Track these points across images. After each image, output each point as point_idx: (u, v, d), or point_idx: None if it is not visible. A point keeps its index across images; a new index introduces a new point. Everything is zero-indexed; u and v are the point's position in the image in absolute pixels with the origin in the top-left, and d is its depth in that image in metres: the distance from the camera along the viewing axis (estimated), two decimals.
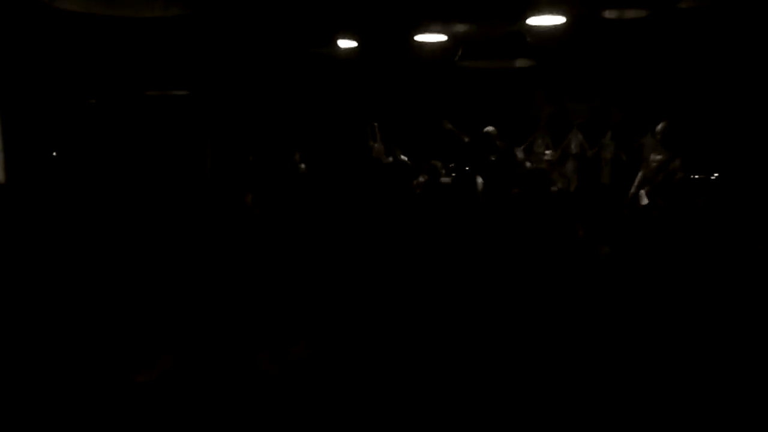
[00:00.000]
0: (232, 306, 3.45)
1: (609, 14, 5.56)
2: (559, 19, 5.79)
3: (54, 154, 8.24)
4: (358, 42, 7.27)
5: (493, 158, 8.28)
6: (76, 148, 8.30)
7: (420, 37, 6.86)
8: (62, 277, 3.79)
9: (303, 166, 8.62)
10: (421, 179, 7.76)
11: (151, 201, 6.36)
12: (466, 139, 7.88)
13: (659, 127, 6.31)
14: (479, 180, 7.21)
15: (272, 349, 2.99)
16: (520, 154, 8.40)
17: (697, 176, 6.33)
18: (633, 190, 6.53)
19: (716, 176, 6.46)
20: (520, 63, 6.07)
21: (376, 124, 8.52)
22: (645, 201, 6.36)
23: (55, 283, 3.69)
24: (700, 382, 2.98)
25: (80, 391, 2.54)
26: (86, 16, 4.27)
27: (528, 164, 8.16)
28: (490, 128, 7.82)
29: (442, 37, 6.75)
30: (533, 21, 5.83)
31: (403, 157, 8.71)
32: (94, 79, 7.86)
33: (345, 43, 7.27)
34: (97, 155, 8.26)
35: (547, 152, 8.67)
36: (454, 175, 7.95)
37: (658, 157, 6.33)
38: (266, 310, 3.49)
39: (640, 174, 6.57)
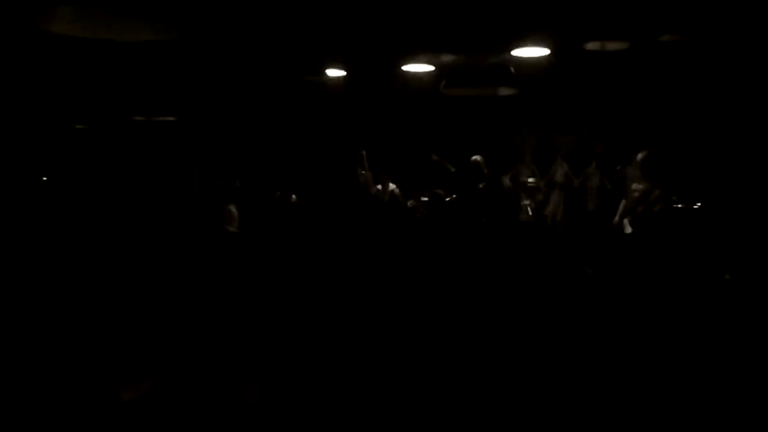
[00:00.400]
0: (219, 326, 3.45)
1: (591, 46, 5.68)
2: (543, 51, 5.92)
3: (44, 178, 8.23)
4: (346, 71, 7.37)
5: (480, 186, 8.36)
6: (64, 173, 8.29)
7: (407, 67, 6.97)
8: (48, 296, 3.78)
9: (294, 196, 8.64)
10: (410, 203, 7.81)
11: (137, 224, 6.35)
12: (453, 169, 7.96)
13: (639, 156, 6.44)
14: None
15: (257, 374, 2.98)
16: (506, 182, 8.49)
17: (680, 205, 6.41)
18: (617, 218, 6.61)
19: (699, 205, 6.55)
20: (505, 92, 6.17)
21: (363, 152, 8.58)
22: (628, 230, 6.44)
23: (42, 301, 3.68)
24: (676, 398, 3.01)
25: (63, 408, 2.51)
26: (74, 40, 4.30)
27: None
28: (477, 157, 7.92)
29: (428, 67, 6.87)
30: (518, 53, 5.96)
31: (391, 184, 8.76)
32: (82, 104, 7.88)
33: (334, 72, 7.37)
34: (84, 180, 8.25)
35: (531, 179, 8.75)
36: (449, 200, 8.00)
37: (640, 186, 6.43)
38: (253, 331, 3.48)
39: (622, 203, 6.66)
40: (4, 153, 7.72)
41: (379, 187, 8.72)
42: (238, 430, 2.61)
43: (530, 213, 7.66)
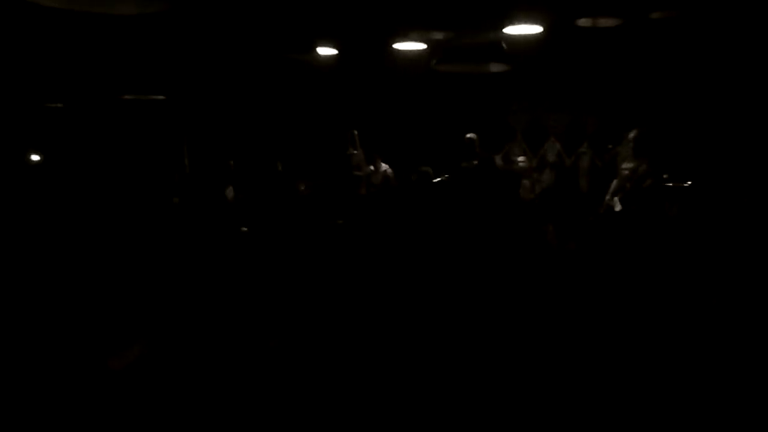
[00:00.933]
0: (211, 301, 3.44)
1: (583, 23, 5.64)
2: (535, 29, 5.88)
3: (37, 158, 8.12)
4: (337, 49, 7.30)
5: (474, 164, 8.34)
6: (52, 153, 8.20)
7: (398, 45, 6.91)
8: (37, 269, 3.76)
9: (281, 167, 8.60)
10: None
11: (127, 202, 6.31)
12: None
13: (631, 134, 6.41)
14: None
15: (247, 344, 2.98)
16: (498, 161, 8.47)
17: (670, 183, 6.42)
18: (607, 197, 6.61)
19: (690, 183, 6.55)
20: (497, 68, 6.14)
21: (355, 131, 8.53)
22: (618, 207, 6.44)
23: (30, 274, 3.66)
24: (671, 383, 3.02)
25: (52, 376, 2.51)
26: (61, 12, 4.21)
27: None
28: (472, 135, 7.88)
29: (420, 45, 6.81)
30: (510, 30, 5.91)
31: (383, 165, 8.73)
32: (70, 82, 7.78)
33: (324, 51, 7.30)
34: (73, 159, 8.17)
35: (521, 158, 8.74)
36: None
37: (630, 165, 6.42)
38: (246, 308, 3.48)
39: (614, 182, 6.65)
40: None
41: (372, 167, 8.69)
42: (230, 403, 2.60)
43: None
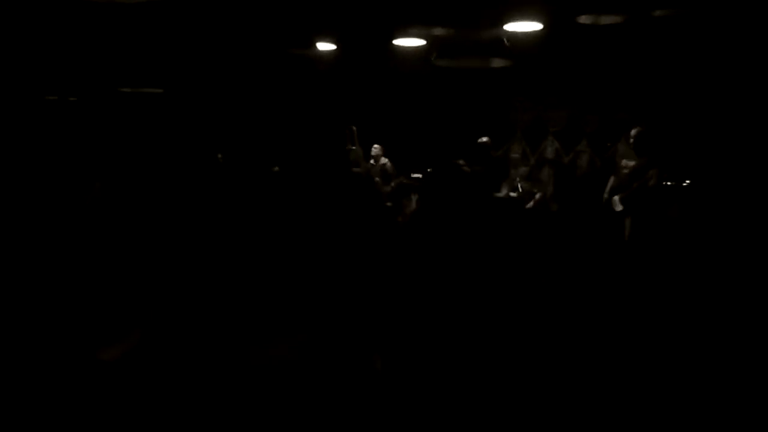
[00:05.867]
0: (211, 294, 3.41)
1: (584, 20, 5.62)
2: (536, 26, 5.85)
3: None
4: (337, 45, 7.27)
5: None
6: (47, 146, 8.16)
7: (398, 41, 6.88)
8: (34, 260, 3.73)
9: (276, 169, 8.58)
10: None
11: (124, 195, 6.26)
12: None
13: (633, 132, 6.38)
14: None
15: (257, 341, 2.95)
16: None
17: (669, 183, 6.40)
18: (606, 195, 6.58)
19: (688, 183, 6.55)
20: (497, 64, 6.11)
21: (354, 127, 8.51)
22: (619, 207, 6.41)
23: (27, 265, 3.63)
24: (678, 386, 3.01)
25: (41, 367, 2.48)
26: (57, 1, 4.17)
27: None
28: (485, 138, 7.90)
29: (420, 41, 6.78)
30: (511, 27, 5.88)
31: (383, 159, 8.72)
32: (67, 75, 7.74)
33: (324, 46, 7.26)
34: (68, 152, 8.13)
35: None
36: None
37: (631, 163, 6.39)
38: (247, 303, 3.45)
39: (611, 179, 6.62)
40: None
41: (372, 162, 8.68)
42: (227, 394, 2.58)
43: (520, 189, 7.64)
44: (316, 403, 2.59)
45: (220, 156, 8.32)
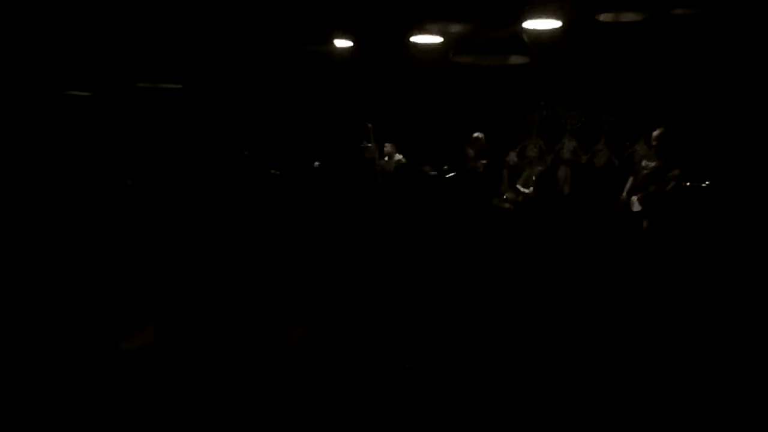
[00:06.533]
0: (225, 288, 3.43)
1: (604, 18, 5.56)
2: (555, 23, 5.80)
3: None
4: (353, 41, 7.26)
5: (484, 162, 8.32)
6: (65, 141, 8.25)
7: (415, 38, 6.85)
8: (49, 252, 3.78)
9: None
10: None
11: (143, 192, 6.33)
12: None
13: (655, 133, 6.31)
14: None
15: (268, 331, 2.96)
16: (513, 157, 8.43)
17: (688, 183, 6.33)
18: (623, 196, 6.52)
19: (707, 184, 6.46)
20: (515, 61, 6.07)
21: (370, 124, 8.51)
22: (637, 208, 6.35)
23: (42, 257, 3.68)
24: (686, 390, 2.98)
25: (61, 357, 2.50)
26: None
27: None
28: (478, 134, 7.89)
29: (437, 39, 6.75)
30: (529, 24, 5.84)
31: (397, 155, 8.73)
32: (85, 70, 7.80)
33: (341, 43, 7.26)
34: (87, 147, 8.21)
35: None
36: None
37: (652, 164, 6.32)
38: (262, 295, 3.47)
39: (630, 180, 6.56)
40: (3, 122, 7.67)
41: (386, 158, 8.69)
42: (241, 389, 2.59)
43: (529, 189, 7.57)
44: (329, 396, 2.60)
45: (246, 152, 8.37)
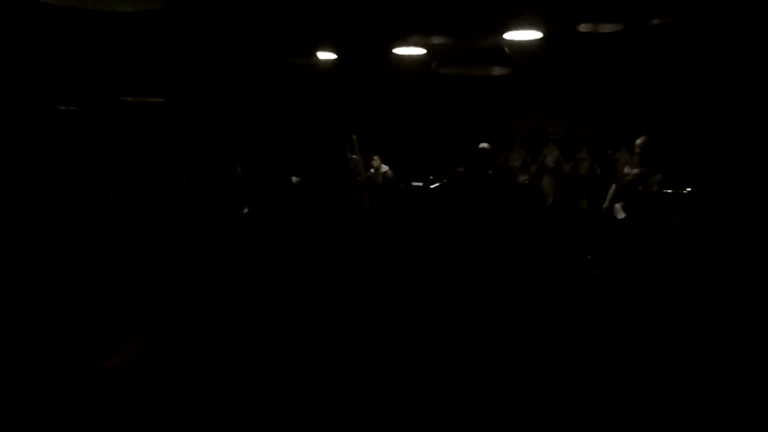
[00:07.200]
0: (215, 298, 3.41)
1: (584, 28, 5.64)
2: (536, 34, 5.87)
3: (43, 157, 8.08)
4: (337, 54, 7.29)
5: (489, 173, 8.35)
6: (49, 155, 8.17)
7: (398, 50, 6.90)
8: (35, 265, 3.74)
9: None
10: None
11: (126, 204, 6.28)
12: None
13: (639, 141, 6.39)
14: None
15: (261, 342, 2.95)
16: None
17: (669, 190, 6.40)
18: (606, 204, 6.58)
19: (689, 191, 6.54)
20: (498, 72, 6.14)
21: (354, 136, 8.53)
22: (621, 215, 6.40)
23: (28, 270, 3.63)
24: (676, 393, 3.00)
25: (46, 375, 2.47)
26: (60, 10, 4.18)
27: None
28: (485, 144, 7.91)
29: (420, 50, 6.80)
30: (510, 35, 5.90)
31: (383, 166, 8.74)
32: (68, 83, 7.76)
33: (324, 55, 7.29)
34: (70, 161, 8.14)
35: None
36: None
37: (634, 171, 6.39)
38: (249, 305, 3.45)
39: (612, 187, 6.63)
40: None
41: (372, 170, 8.70)
42: (228, 402, 2.57)
43: None
44: (333, 393, 2.59)
45: (238, 168, 8.36)
